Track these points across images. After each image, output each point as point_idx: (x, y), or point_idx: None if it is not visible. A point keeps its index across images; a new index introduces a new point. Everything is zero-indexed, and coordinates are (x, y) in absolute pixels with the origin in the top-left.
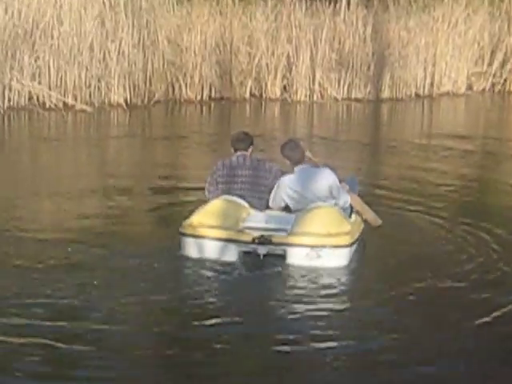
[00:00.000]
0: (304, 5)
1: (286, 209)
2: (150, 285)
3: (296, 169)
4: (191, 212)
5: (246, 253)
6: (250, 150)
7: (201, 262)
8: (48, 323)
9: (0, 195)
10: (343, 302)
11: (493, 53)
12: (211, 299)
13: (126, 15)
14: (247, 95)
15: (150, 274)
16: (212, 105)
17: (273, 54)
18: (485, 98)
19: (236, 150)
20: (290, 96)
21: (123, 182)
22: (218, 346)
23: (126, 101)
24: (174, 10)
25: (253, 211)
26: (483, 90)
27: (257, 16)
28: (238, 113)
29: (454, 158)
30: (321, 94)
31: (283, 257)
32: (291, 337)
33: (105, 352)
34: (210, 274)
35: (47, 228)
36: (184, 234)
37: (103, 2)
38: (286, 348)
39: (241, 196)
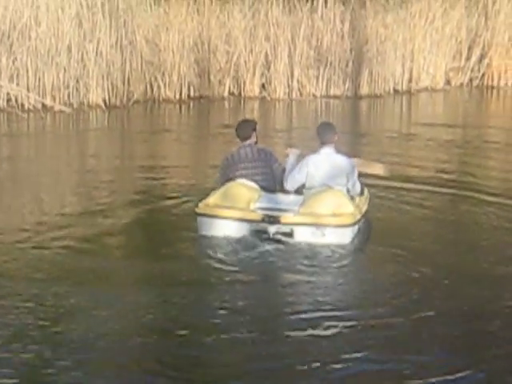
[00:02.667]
0: (281, 2)
1: (297, 191)
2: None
3: (322, 150)
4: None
5: (257, 231)
6: (253, 136)
7: (213, 241)
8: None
9: None
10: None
11: (470, 48)
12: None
13: (103, 15)
14: (226, 94)
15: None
16: (191, 104)
17: (251, 52)
18: (463, 92)
19: (240, 139)
20: (268, 94)
21: (103, 181)
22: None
23: (104, 101)
24: (151, 10)
25: (263, 193)
26: (461, 84)
27: (234, 14)
28: (217, 111)
29: (433, 147)
30: (299, 92)
31: (291, 235)
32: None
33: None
34: (222, 251)
35: (27, 226)
36: (199, 214)
37: (80, 3)
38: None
39: (253, 180)
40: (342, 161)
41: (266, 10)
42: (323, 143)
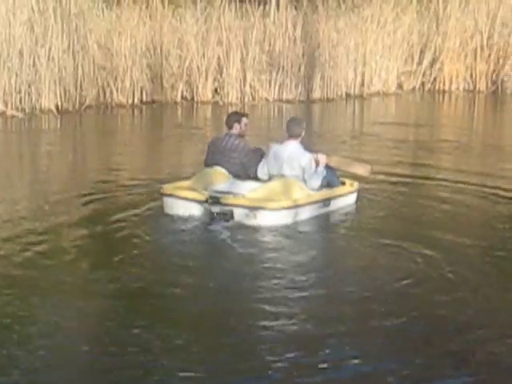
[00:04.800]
0: (234, 7)
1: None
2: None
3: (286, 142)
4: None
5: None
6: (234, 128)
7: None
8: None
9: None
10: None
11: (422, 52)
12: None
13: (55, 20)
14: (179, 98)
15: None
16: (143, 108)
17: (203, 56)
18: (415, 96)
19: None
20: (221, 98)
21: (54, 184)
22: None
23: (56, 106)
24: (103, 15)
25: (231, 179)
26: (413, 88)
27: (187, 19)
28: (170, 116)
29: (384, 148)
30: (252, 96)
31: (232, 216)
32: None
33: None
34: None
35: None
36: (162, 194)
37: (32, 8)
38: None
39: (224, 167)
40: (300, 154)
41: (219, 15)
42: (289, 136)
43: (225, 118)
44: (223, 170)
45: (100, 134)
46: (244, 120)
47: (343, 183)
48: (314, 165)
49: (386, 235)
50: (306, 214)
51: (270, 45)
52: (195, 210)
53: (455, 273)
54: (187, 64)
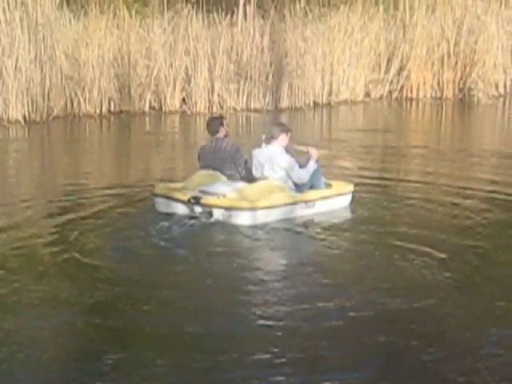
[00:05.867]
0: (201, 16)
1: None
2: None
3: (267, 145)
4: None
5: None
6: (219, 132)
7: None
8: None
9: None
10: None
11: (389, 60)
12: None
13: (21, 31)
14: (146, 108)
15: None
16: (111, 118)
17: (171, 66)
18: (382, 104)
19: (210, 134)
20: (189, 108)
21: (21, 194)
22: None
23: (24, 117)
24: (70, 25)
25: (220, 180)
26: (381, 96)
27: (154, 29)
28: (138, 126)
29: (354, 154)
30: (220, 105)
31: (211, 215)
32: None
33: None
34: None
35: None
36: (153, 194)
37: None
38: None
39: (216, 169)
40: (278, 156)
41: (186, 25)
42: (271, 138)
43: (207, 126)
44: (216, 172)
45: (68, 144)
46: (225, 121)
47: (329, 185)
48: (294, 164)
49: (366, 233)
50: (285, 214)
51: (237, 54)
52: (180, 209)
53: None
54: (155, 74)
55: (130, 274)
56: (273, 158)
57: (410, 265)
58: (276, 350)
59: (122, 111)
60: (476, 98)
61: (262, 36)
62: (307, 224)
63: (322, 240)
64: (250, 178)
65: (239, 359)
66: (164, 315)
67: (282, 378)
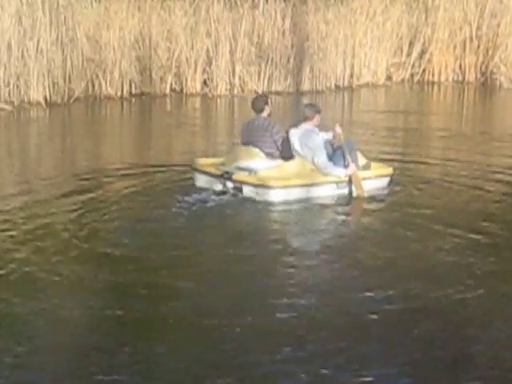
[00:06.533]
0: None
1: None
2: None
3: (301, 125)
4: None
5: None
6: (264, 111)
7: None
8: None
9: None
10: None
11: (411, 43)
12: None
13: (43, 13)
14: (167, 90)
15: None
16: (133, 101)
17: (192, 48)
18: (404, 88)
19: (255, 112)
20: (210, 90)
21: (44, 176)
22: None
23: (45, 99)
24: (91, 7)
25: (262, 157)
26: (402, 80)
27: (175, 11)
28: (159, 108)
29: (376, 136)
30: (241, 88)
31: (241, 191)
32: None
33: None
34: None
35: None
36: (191, 168)
37: (20, 0)
38: None
39: (256, 146)
40: (313, 138)
41: (207, 7)
42: (304, 119)
43: (252, 104)
44: (255, 149)
45: (89, 126)
46: (269, 101)
47: (367, 167)
48: (322, 149)
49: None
50: (313, 193)
51: (258, 37)
52: (215, 185)
53: None
54: (176, 56)
55: (152, 258)
56: (304, 137)
57: (441, 249)
58: (300, 343)
59: (143, 93)
60: (498, 82)
61: (283, 19)
62: (336, 205)
63: (349, 222)
64: (288, 157)
65: (265, 355)
66: (185, 305)
67: (305, 374)
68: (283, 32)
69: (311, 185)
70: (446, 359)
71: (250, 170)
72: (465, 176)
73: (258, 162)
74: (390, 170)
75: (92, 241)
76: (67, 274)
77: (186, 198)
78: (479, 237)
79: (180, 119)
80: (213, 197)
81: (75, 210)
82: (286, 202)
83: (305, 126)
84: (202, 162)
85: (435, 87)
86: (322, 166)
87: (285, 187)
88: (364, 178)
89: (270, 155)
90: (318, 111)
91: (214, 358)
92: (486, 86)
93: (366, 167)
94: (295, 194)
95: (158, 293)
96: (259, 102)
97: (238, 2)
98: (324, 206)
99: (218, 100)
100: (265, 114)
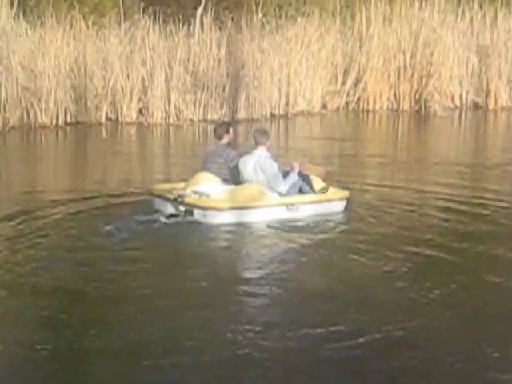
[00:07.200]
0: (158, 27)
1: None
2: None
3: (253, 151)
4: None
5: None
6: (223, 139)
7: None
8: None
9: None
10: None
11: (346, 72)
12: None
13: None
14: (103, 119)
15: None
16: (68, 129)
17: (128, 77)
18: (339, 116)
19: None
20: (146, 119)
21: None
22: None
23: None
24: (26, 35)
25: (216, 182)
26: (337, 108)
27: (111, 39)
28: (94, 137)
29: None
30: (177, 117)
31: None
32: None
33: None
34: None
35: None
36: (149, 193)
37: None
38: None
39: (211, 172)
40: (267, 163)
41: (143, 35)
42: (256, 144)
43: (213, 132)
44: (210, 174)
45: (24, 154)
46: (231, 129)
47: (324, 190)
48: (277, 171)
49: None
50: (263, 216)
51: (194, 65)
52: (169, 208)
53: None
54: (111, 84)
55: (85, 290)
56: (258, 163)
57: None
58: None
59: (78, 122)
60: (432, 110)
61: (218, 47)
62: (283, 229)
63: (293, 248)
64: (237, 183)
65: None
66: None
67: None
68: (219, 60)
69: (260, 207)
70: None
71: (203, 194)
72: (403, 202)
73: (211, 186)
74: (346, 194)
75: (20, 270)
76: None
77: (122, 225)
78: (422, 260)
79: (115, 148)
80: (162, 220)
81: (7, 238)
82: (233, 225)
83: (259, 151)
84: (160, 187)
85: (370, 115)
86: (281, 186)
87: (233, 209)
88: (322, 201)
89: (226, 181)
90: (268, 137)
91: None
92: (421, 113)
93: (324, 191)
94: (243, 216)
95: (88, 326)
96: (220, 129)
97: (174, 31)
98: (271, 230)
99: (154, 128)
100: (224, 141)
